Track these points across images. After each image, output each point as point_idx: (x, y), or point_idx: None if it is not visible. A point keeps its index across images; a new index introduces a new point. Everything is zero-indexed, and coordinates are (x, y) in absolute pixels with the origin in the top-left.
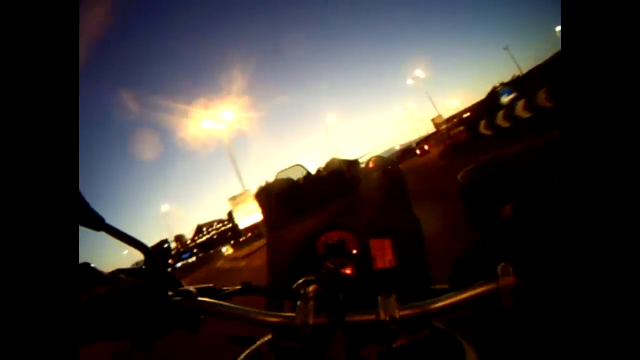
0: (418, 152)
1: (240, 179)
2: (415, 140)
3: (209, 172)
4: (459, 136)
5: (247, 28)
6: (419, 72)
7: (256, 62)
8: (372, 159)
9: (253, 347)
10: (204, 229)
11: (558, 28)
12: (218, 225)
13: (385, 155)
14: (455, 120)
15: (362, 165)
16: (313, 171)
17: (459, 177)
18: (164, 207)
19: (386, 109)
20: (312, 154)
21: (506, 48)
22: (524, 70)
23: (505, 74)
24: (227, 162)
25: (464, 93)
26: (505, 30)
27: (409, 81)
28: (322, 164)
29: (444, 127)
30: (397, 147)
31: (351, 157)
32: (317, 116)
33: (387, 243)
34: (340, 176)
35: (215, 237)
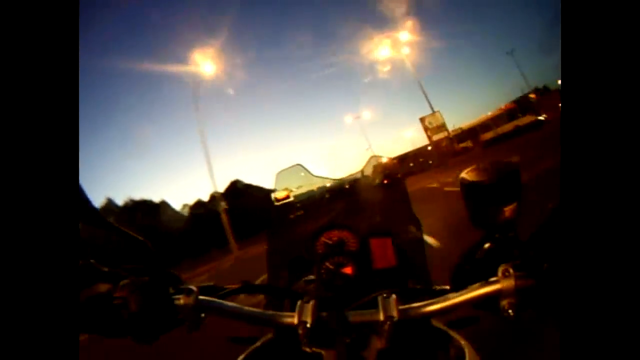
0: None
1: None
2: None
3: None
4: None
5: None
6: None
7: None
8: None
9: (253, 346)
10: None
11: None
12: None
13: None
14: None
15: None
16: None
17: (460, 177)
18: None
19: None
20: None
21: (510, 53)
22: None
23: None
24: None
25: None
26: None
27: (384, 51)
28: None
29: (443, 135)
30: None
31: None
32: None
33: (387, 243)
34: None
35: None
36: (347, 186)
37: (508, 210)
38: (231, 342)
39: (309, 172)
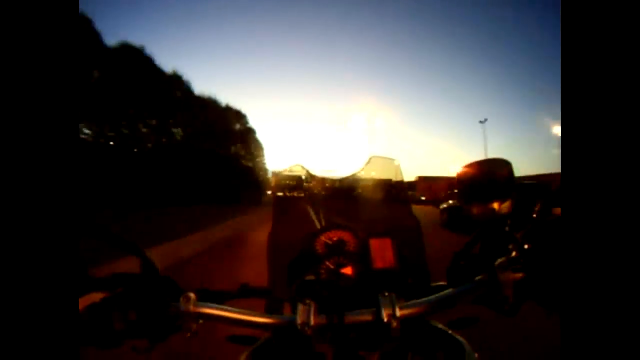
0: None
1: None
2: None
3: None
4: None
5: None
6: None
7: None
8: None
9: (254, 347)
10: None
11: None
12: None
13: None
14: None
15: None
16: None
17: (457, 173)
18: None
19: None
20: None
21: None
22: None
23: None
24: None
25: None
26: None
27: None
28: None
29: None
30: None
31: None
32: None
33: (387, 243)
34: None
35: None
36: (347, 186)
37: (502, 205)
38: (231, 342)
39: (309, 171)
